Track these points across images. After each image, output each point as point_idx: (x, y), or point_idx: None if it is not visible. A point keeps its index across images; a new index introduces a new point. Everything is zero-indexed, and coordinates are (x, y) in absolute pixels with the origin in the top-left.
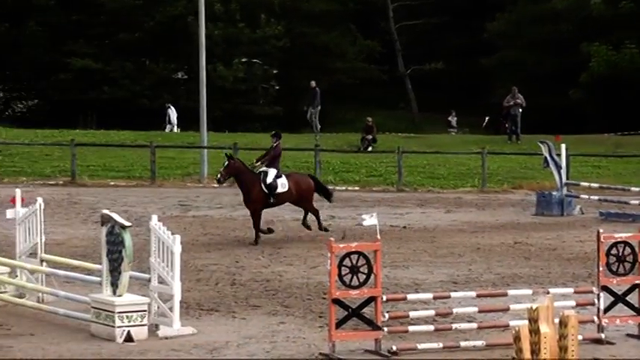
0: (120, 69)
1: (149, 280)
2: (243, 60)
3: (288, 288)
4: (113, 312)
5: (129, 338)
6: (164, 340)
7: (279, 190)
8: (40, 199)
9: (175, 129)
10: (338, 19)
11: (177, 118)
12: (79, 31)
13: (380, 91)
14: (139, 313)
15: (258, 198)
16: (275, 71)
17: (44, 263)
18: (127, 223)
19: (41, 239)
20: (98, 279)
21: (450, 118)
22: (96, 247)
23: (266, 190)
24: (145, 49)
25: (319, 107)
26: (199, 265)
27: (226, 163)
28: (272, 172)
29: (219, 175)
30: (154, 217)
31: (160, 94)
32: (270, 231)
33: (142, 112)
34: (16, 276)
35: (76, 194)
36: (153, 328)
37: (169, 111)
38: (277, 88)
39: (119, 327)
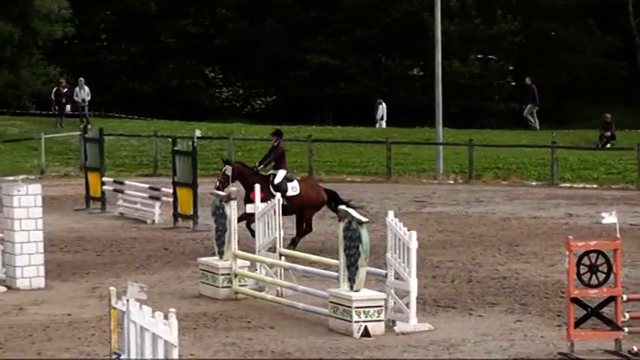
0: (356, 65)
1: (385, 276)
2: (479, 56)
3: (525, 286)
4: (350, 307)
5: (366, 333)
6: (401, 335)
7: (290, 193)
8: (278, 195)
9: (384, 124)
10: (576, 14)
11: (400, 113)
12: (317, 28)
13: (618, 87)
14: (376, 309)
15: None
16: (511, 67)
17: (283, 258)
18: (363, 219)
19: (280, 234)
20: (336, 274)
21: None
22: (333, 242)
23: (274, 192)
24: (382, 45)
25: (537, 105)
26: (435, 262)
27: (224, 167)
28: (281, 173)
29: (217, 183)
30: (390, 213)
31: (395, 91)
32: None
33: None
34: (256, 270)
35: None
36: (389, 324)
37: (380, 107)
38: (513, 84)
39: (356, 322)
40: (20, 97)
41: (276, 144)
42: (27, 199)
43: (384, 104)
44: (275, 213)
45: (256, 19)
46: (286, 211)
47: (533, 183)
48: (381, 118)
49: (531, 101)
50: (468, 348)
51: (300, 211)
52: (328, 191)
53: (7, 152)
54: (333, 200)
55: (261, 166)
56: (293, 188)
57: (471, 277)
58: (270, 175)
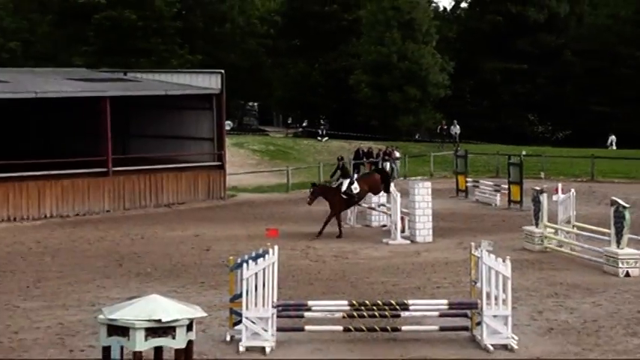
0: (621, 112)
1: None
2: None
3: None
4: (617, 258)
5: (627, 275)
6: None
7: (355, 191)
8: (572, 190)
9: (614, 147)
10: None
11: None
12: (594, 89)
13: None
14: (634, 260)
15: (340, 203)
16: None
17: (575, 227)
18: (626, 205)
19: (573, 213)
20: (608, 238)
21: None
22: (606, 219)
23: (344, 197)
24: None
25: None
26: None
27: (311, 189)
28: (345, 182)
29: (308, 199)
30: None
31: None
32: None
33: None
34: (557, 234)
35: (594, 187)
36: None
37: (610, 137)
38: None
39: (620, 267)
40: (419, 132)
41: (341, 164)
42: (422, 190)
43: (613, 136)
44: (570, 202)
45: (560, 86)
46: (358, 202)
47: None
48: (611, 144)
49: None
50: None
51: (371, 193)
52: (383, 176)
53: (411, 163)
54: (385, 182)
55: (332, 178)
56: (355, 188)
57: None
58: (339, 185)
